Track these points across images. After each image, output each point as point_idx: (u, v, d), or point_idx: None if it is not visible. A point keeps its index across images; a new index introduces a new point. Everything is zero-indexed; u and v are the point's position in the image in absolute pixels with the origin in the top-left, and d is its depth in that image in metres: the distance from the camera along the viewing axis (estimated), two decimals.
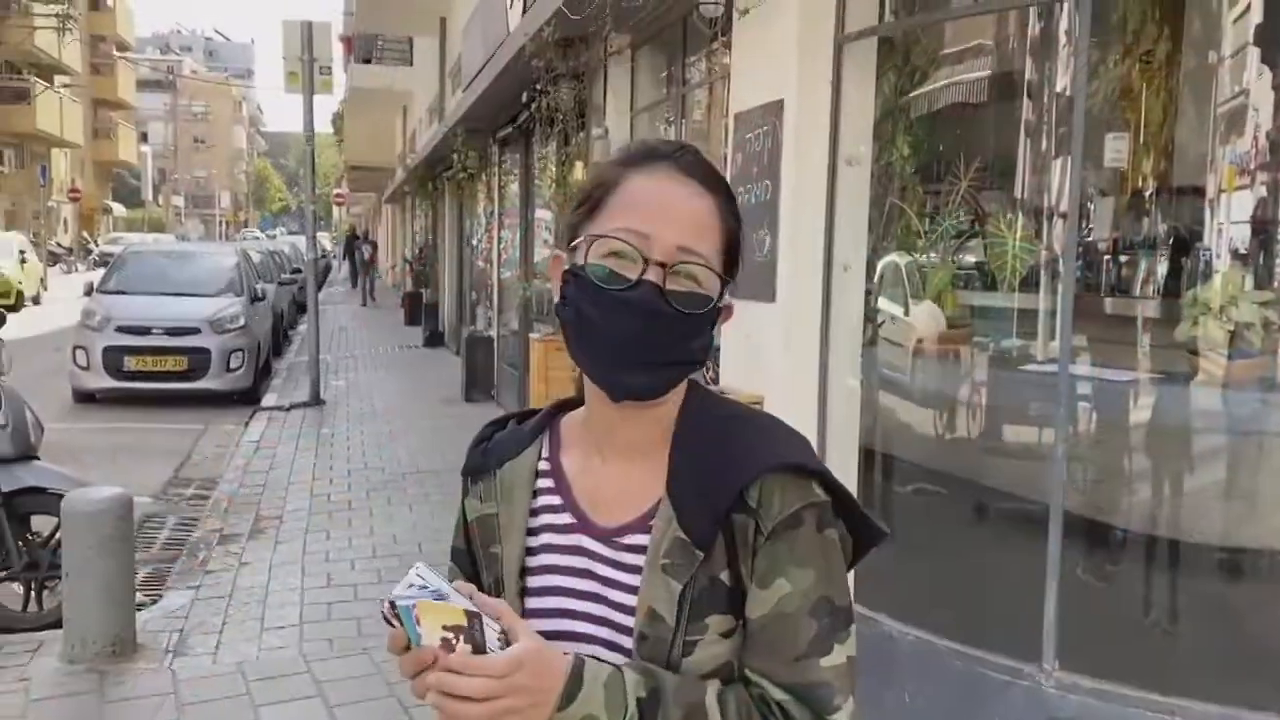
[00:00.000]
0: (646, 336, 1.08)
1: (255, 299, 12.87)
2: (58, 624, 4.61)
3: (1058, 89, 4.25)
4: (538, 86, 7.82)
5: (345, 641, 4.77)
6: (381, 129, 28.63)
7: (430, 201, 21.15)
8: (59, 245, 42.54)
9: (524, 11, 8.15)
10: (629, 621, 1.11)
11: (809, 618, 1.08)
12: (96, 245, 44.38)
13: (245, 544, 6.27)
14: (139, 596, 5.02)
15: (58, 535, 4.80)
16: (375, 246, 31.52)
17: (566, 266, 1.14)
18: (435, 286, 19.98)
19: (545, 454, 1.23)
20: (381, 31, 22.24)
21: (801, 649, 1.07)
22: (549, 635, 1.10)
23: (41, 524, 5.08)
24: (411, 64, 22.31)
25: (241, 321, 11.89)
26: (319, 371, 11.73)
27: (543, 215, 10.13)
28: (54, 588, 4.96)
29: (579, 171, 8.23)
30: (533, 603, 1.17)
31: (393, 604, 1.01)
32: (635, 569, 1.12)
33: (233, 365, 11.56)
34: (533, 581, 1.18)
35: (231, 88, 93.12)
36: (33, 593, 5.07)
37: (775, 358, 4.39)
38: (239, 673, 4.41)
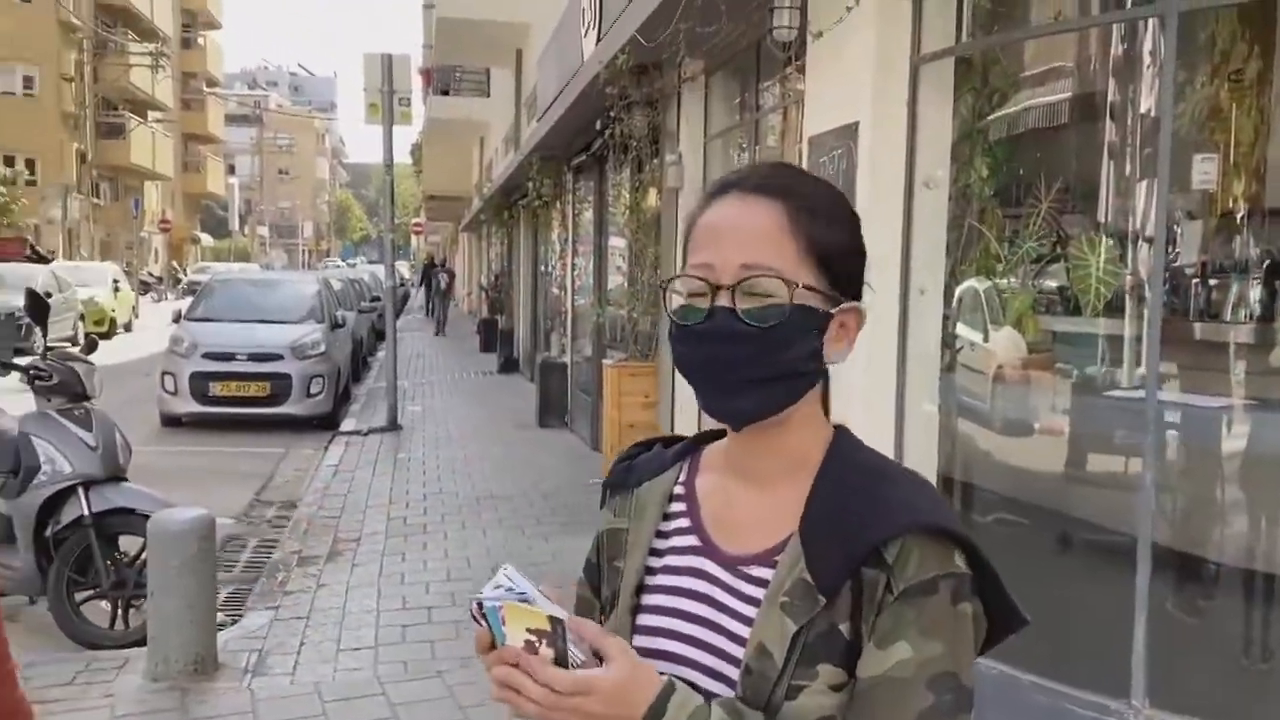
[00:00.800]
0: (735, 360, 1.09)
1: (335, 326, 13.14)
2: (143, 642, 4.72)
3: (1142, 110, 4.15)
4: (611, 114, 7.90)
5: (419, 664, 4.80)
6: (459, 159, 29.17)
7: (505, 229, 21.42)
8: (150, 274, 43.97)
9: (598, 40, 8.23)
10: (738, 652, 1.09)
11: (926, 689, 1.02)
12: (185, 274, 45.81)
13: (323, 566, 6.37)
14: (220, 616, 5.12)
15: (144, 555, 4.93)
16: (452, 275, 31.94)
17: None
18: (510, 313, 20.20)
19: (682, 478, 1.24)
20: (459, 64, 22.65)
21: (910, 718, 1.02)
22: (651, 653, 1.10)
23: (129, 544, 5.23)
24: (489, 95, 22.69)
25: (322, 348, 12.13)
26: (396, 397, 11.89)
27: (616, 242, 10.18)
28: (140, 606, 5.09)
29: (652, 198, 8.26)
30: (643, 620, 1.17)
31: (480, 604, 1.03)
32: (754, 601, 1.10)
33: (313, 391, 11.80)
34: (647, 599, 1.18)
35: (315, 120, 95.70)
36: (119, 611, 5.22)
37: (853, 381, 4.34)
38: (315, 693, 4.47)
